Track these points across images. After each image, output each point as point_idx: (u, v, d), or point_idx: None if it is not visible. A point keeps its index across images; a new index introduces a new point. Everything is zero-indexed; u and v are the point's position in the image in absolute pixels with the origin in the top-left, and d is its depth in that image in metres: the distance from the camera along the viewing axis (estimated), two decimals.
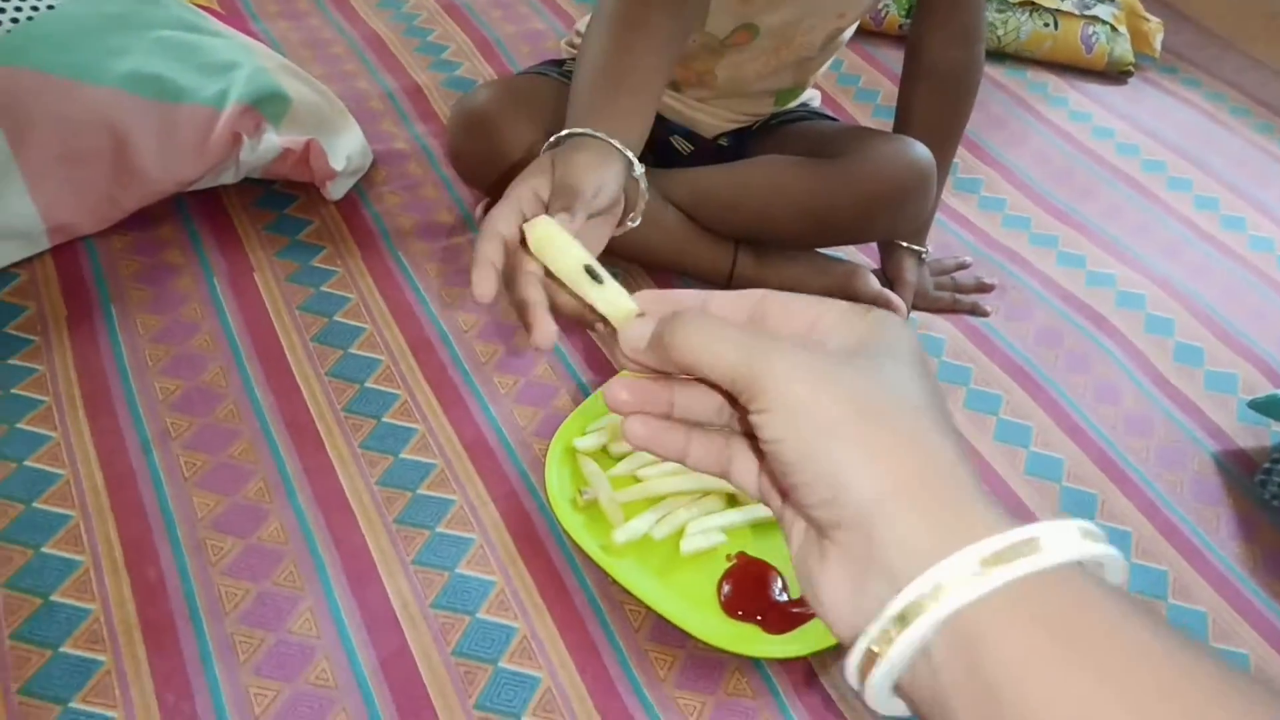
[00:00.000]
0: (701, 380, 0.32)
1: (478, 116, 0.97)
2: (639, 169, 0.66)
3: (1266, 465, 0.95)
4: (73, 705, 0.66)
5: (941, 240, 1.18)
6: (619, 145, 0.64)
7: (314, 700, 0.69)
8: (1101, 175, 1.34)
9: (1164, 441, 0.99)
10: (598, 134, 0.64)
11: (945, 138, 1.02)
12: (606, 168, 0.62)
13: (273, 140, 1.02)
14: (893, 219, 1.00)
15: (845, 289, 1.02)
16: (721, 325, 0.31)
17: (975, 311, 1.10)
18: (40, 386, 0.85)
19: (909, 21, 1.03)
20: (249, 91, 1.02)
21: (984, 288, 1.13)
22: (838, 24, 1.01)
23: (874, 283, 1.03)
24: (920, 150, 0.98)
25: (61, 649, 0.69)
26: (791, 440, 0.28)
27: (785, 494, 0.31)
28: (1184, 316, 1.13)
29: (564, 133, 0.65)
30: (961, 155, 1.34)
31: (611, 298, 0.37)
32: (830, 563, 0.29)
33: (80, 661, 0.68)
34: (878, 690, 0.27)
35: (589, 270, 0.38)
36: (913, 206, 0.99)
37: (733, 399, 0.31)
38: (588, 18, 1.12)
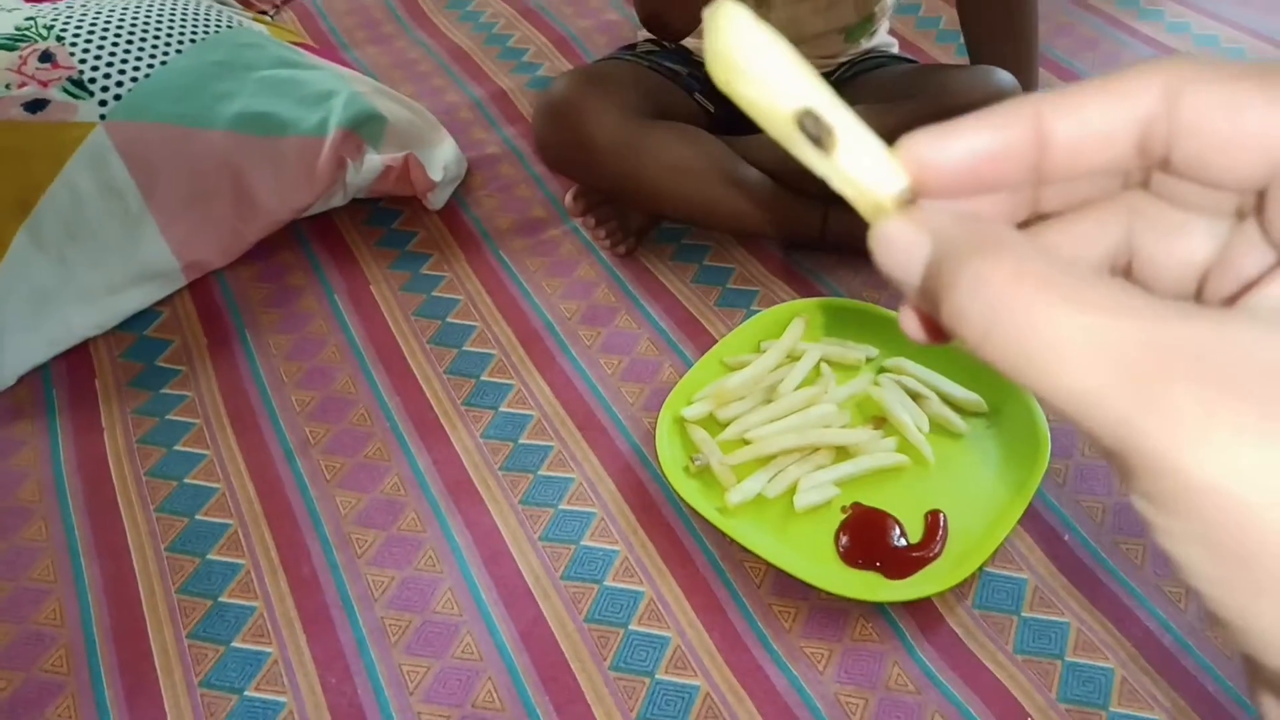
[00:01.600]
0: None
1: (558, 106, 1.01)
2: None
3: None
4: (248, 694, 0.73)
5: None
6: None
7: (462, 673, 0.74)
8: (1075, 12, 1.29)
9: None
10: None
11: (1016, 55, 0.99)
12: None
13: (374, 160, 1.08)
14: None
15: None
16: (1059, 308, 0.15)
17: None
18: (191, 411, 0.94)
19: None
20: (347, 117, 1.08)
21: None
22: None
23: None
24: (1002, 76, 0.96)
25: (233, 644, 0.76)
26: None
27: None
28: None
29: None
30: (1052, 85, 1.30)
31: (849, 169, 0.19)
32: None
33: (250, 654, 0.75)
34: None
35: (807, 120, 0.19)
36: None
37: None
38: None
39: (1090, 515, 0.82)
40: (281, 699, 0.73)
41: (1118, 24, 1.40)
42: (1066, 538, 0.81)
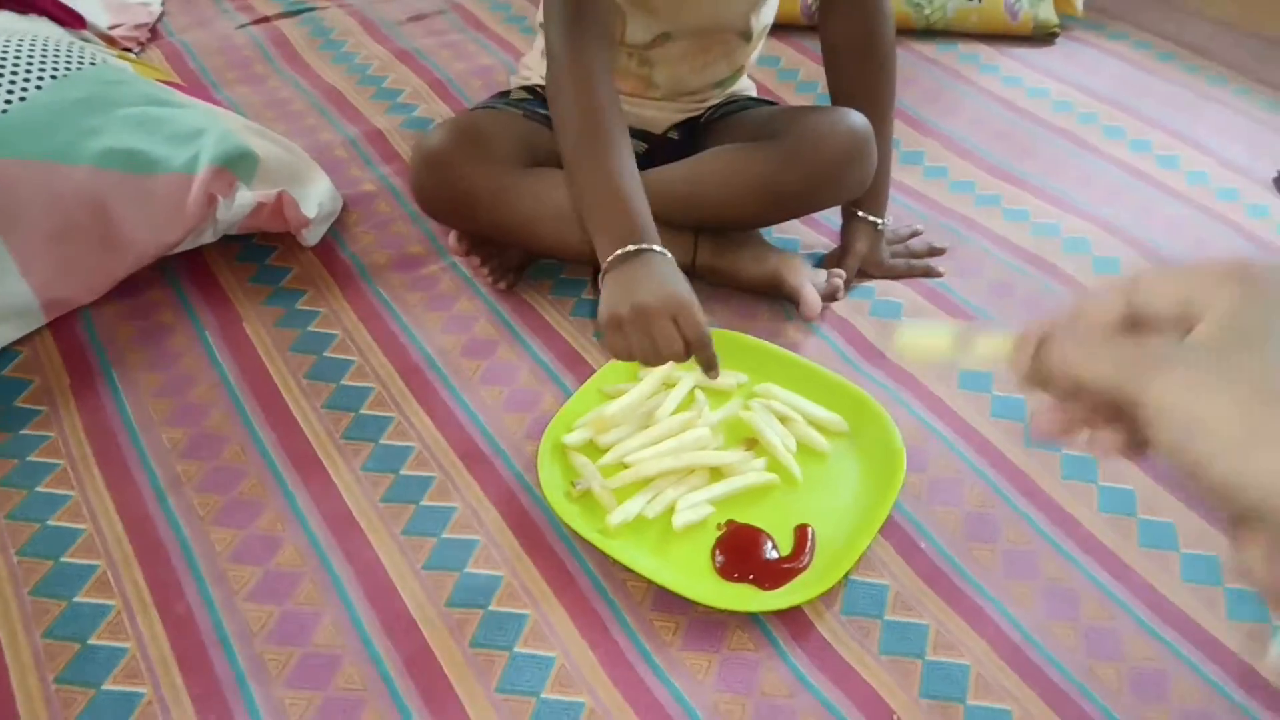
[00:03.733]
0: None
1: (435, 158, 1.03)
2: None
3: None
4: None
5: (892, 211, 1.23)
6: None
7: (345, 704, 0.73)
8: (1038, 133, 1.41)
9: None
10: (663, 250, 0.87)
11: (874, 106, 1.07)
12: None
13: (246, 196, 1.08)
14: (839, 185, 1.06)
15: (777, 278, 1.08)
16: (1090, 348, 0.30)
17: (929, 274, 1.15)
18: (54, 451, 0.90)
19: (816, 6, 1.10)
20: (218, 154, 1.07)
21: (935, 251, 1.18)
22: (748, 19, 1.07)
23: (801, 273, 1.07)
24: (855, 117, 1.04)
25: (104, 687, 0.73)
26: (1191, 454, 0.27)
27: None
28: (1129, 254, 1.19)
29: (647, 246, 0.86)
30: (902, 131, 1.40)
31: (986, 349, 0.36)
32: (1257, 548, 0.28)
33: (123, 696, 0.73)
34: None
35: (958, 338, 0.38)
36: (856, 171, 1.05)
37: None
38: (534, 50, 1.19)
39: (944, 524, 0.88)
40: None
41: (960, 77, 1.53)
42: (923, 545, 0.87)
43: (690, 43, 1.07)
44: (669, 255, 0.87)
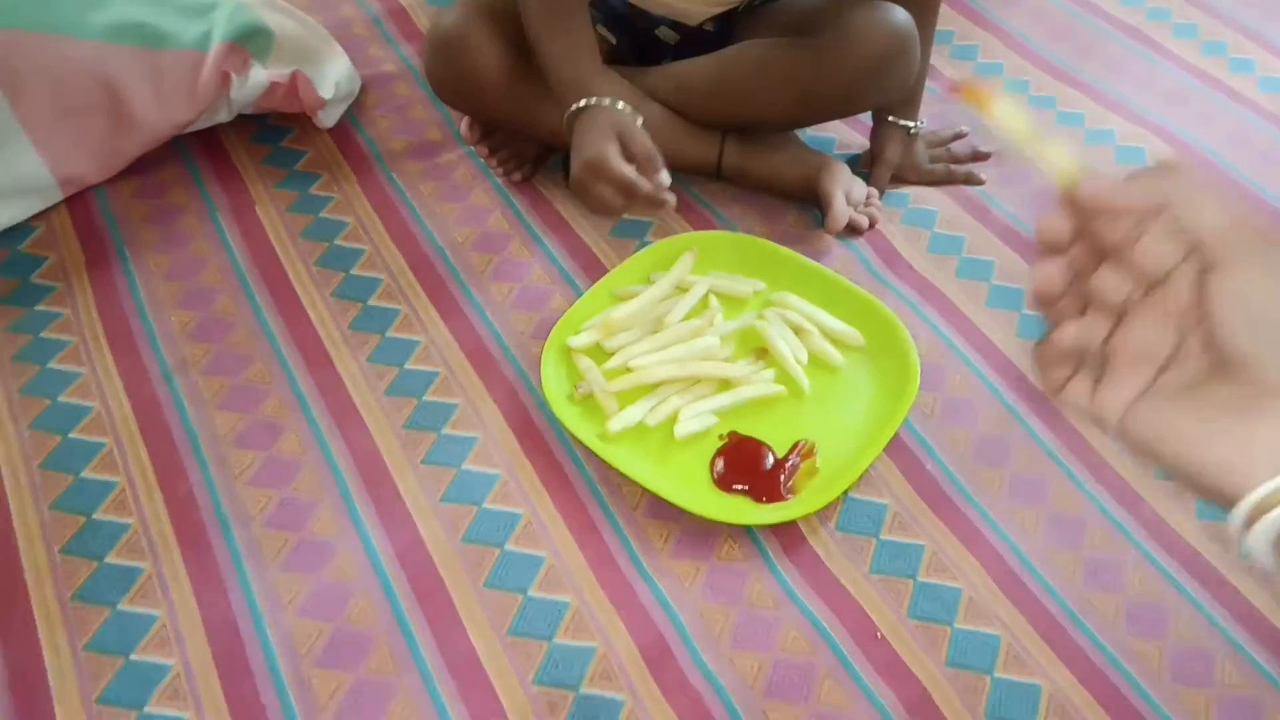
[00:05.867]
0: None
1: (448, 40, 0.98)
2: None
3: None
4: (121, 607, 0.73)
5: (936, 110, 1.16)
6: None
7: (337, 590, 0.75)
8: (1103, 30, 1.30)
9: None
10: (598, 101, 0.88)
11: (919, 3, 0.99)
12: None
13: (260, 75, 1.05)
14: (877, 88, 1.00)
15: (813, 180, 1.02)
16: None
17: (970, 181, 1.09)
18: (66, 328, 0.91)
19: None
20: (231, 29, 1.04)
21: (979, 156, 1.12)
22: None
23: (837, 180, 1.02)
24: (898, 15, 0.97)
25: (107, 560, 0.76)
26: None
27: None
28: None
29: (586, 103, 0.89)
30: (957, 22, 1.31)
31: (1056, 156, 0.38)
32: (1223, 416, 0.34)
33: (124, 570, 0.75)
34: (1260, 538, 0.33)
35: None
36: (896, 73, 0.99)
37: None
38: None
39: (953, 445, 0.86)
40: (155, 613, 0.73)
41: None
42: (929, 466, 0.85)
43: None
44: (604, 103, 0.89)
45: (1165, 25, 1.31)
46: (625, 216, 1.03)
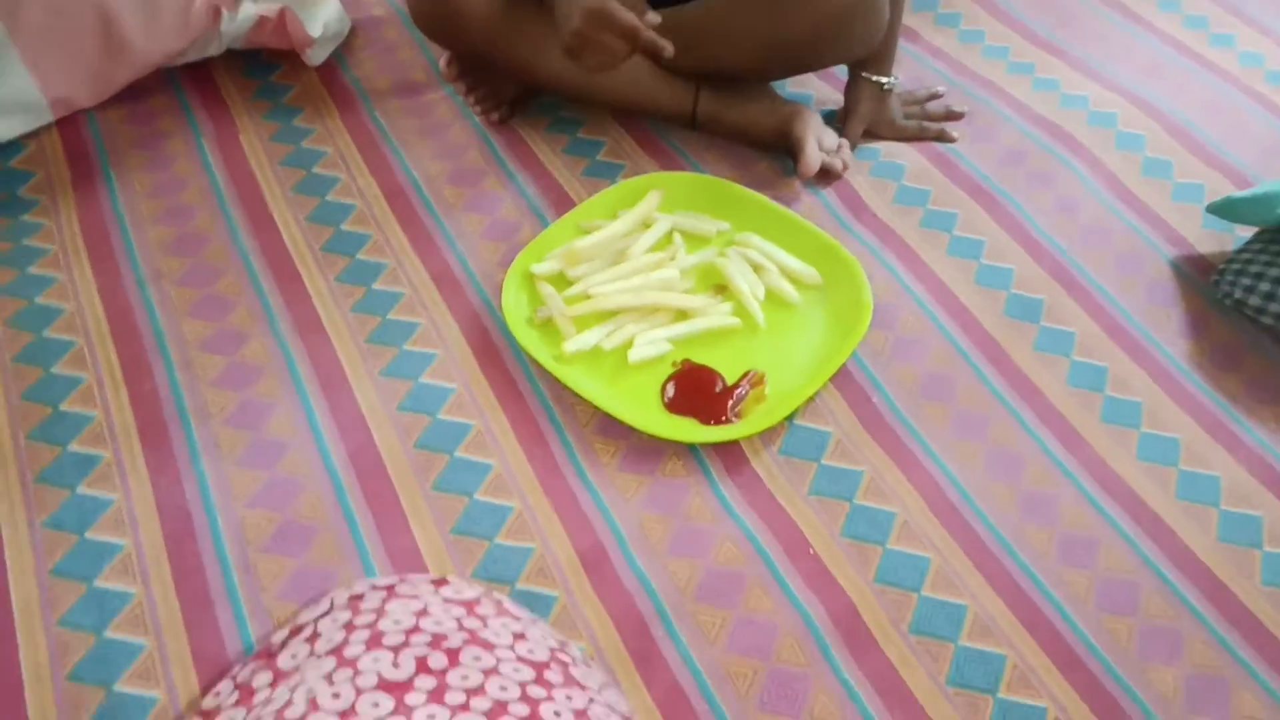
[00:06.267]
0: None
1: None
2: None
3: (1221, 266, 0.96)
4: (80, 490, 0.76)
5: (915, 73, 1.19)
6: None
7: (289, 485, 0.78)
8: (1087, 1, 1.32)
9: (1121, 250, 1.00)
10: None
11: None
12: None
13: (249, 9, 1.08)
14: (845, 40, 1.02)
15: (787, 128, 1.04)
16: None
17: (942, 138, 1.11)
18: (48, 237, 0.94)
19: None
20: None
21: (952, 115, 1.13)
22: None
23: (809, 127, 1.04)
24: None
25: (70, 447, 0.79)
26: None
27: None
28: (1156, 132, 1.12)
29: None
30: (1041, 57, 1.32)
31: None
32: None
33: (85, 457, 0.78)
34: None
35: None
36: (862, 25, 1.00)
37: None
38: None
39: (900, 380, 0.88)
40: (112, 497, 0.76)
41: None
42: (874, 398, 0.86)
43: None
44: None
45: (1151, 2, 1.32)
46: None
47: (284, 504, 0.77)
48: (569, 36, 0.91)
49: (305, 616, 0.47)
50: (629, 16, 0.88)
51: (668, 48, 0.90)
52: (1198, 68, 1.22)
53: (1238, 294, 0.93)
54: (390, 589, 0.48)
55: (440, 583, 0.50)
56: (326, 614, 0.46)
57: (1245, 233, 1.00)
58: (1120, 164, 1.08)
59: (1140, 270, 0.99)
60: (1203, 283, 0.97)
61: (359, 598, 0.48)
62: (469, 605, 0.48)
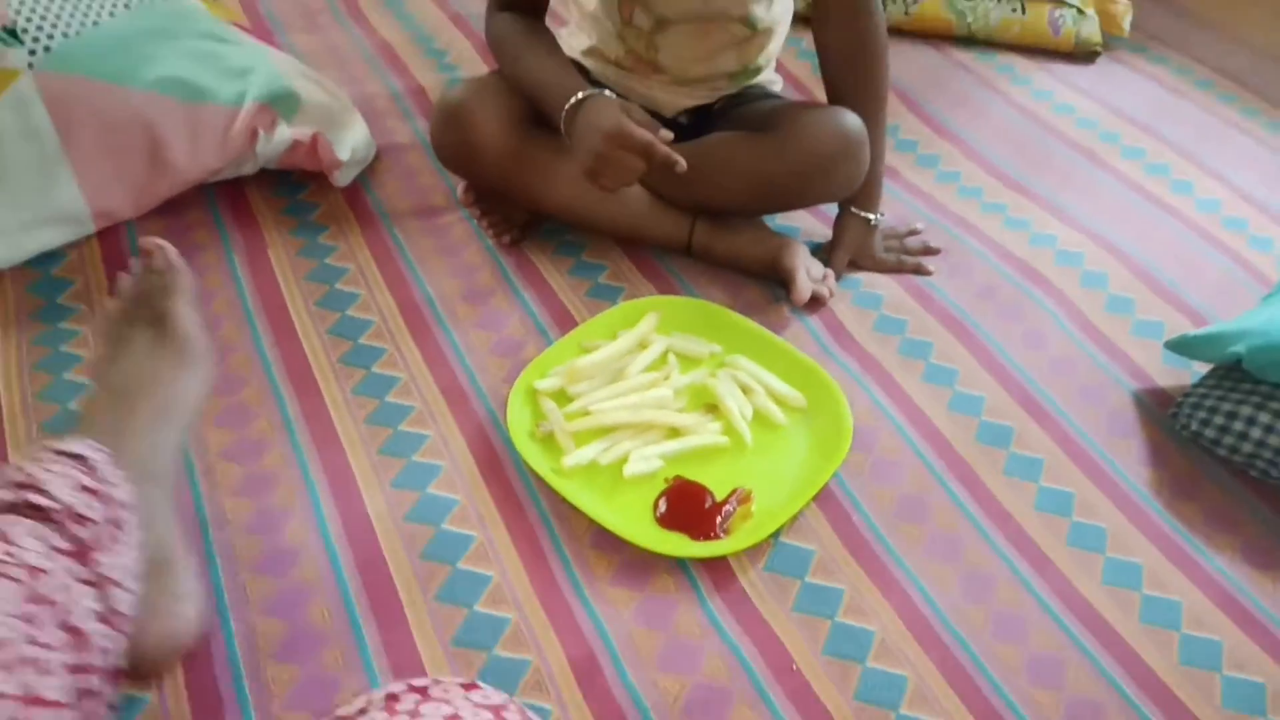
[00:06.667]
0: None
1: (452, 110, 1.10)
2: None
3: (1179, 399, 1.03)
4: None
5: (896, 210, 1.27)
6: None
7: (299, 593, 0.82)
8: (1057, 148, 1.42)
9: (1086, 381, 1.07)
10: (596, 90, 1.03)
11: (866, 108, 1.11)
12: None
13: (285, 133, 1.17)
14: (828, 183, 1.11)
15: (774, 259, 1.13)
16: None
17: (919, 271, 1.19)
18: (83, 345, 1.01)
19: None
20: (264, 92, 1.17)
21: (929, 251, 1.22)
22: (746, 7, 1.12)
23: (798, 258, 1.12)
24: (848, 119, 1.09)
25: None
26: None
27: None
28: (1119, 270, 1.21)
29: (585, 95, 1.02)
30: (921, 132, 1.43)
31: None
32: None
33: None
34: None
35: None
36: (845, 170, 1.10)
37: None
38: (570, 23, 1.26)
39: (879, 501, 0.93)
40: None
41: (990, 86, 1.55)
42: (855, 518, 0.92)
43: (691, 28, 1.12)
44: (604, 92, 1.03)
45: (1115, 147, 1.43)
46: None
47: (294, 611, 0.81)
48: (589, 158, 0.99)
49: (344, 711, 0.51)
50: (645, 134, 0.97)
51: (681, 161, 0.98)
52: (1159, 212, 1.31)
53: (1194, 426, 1.00)
54: (424, 691, 0.52)
55: (470, 687, 0.54)
56: (363, 713, 0.50)
57: (1201, 368, 1.07)
58: (1085, 300, 1.16)
59: (1103, 401, 1.05)
60: (1161, 414, 1.04)
61: (395, 698, 0.52)
62: (496, 710, 0.52)
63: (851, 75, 1.12)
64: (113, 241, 1.13)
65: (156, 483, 0.69)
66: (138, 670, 0.63)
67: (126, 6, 1.20)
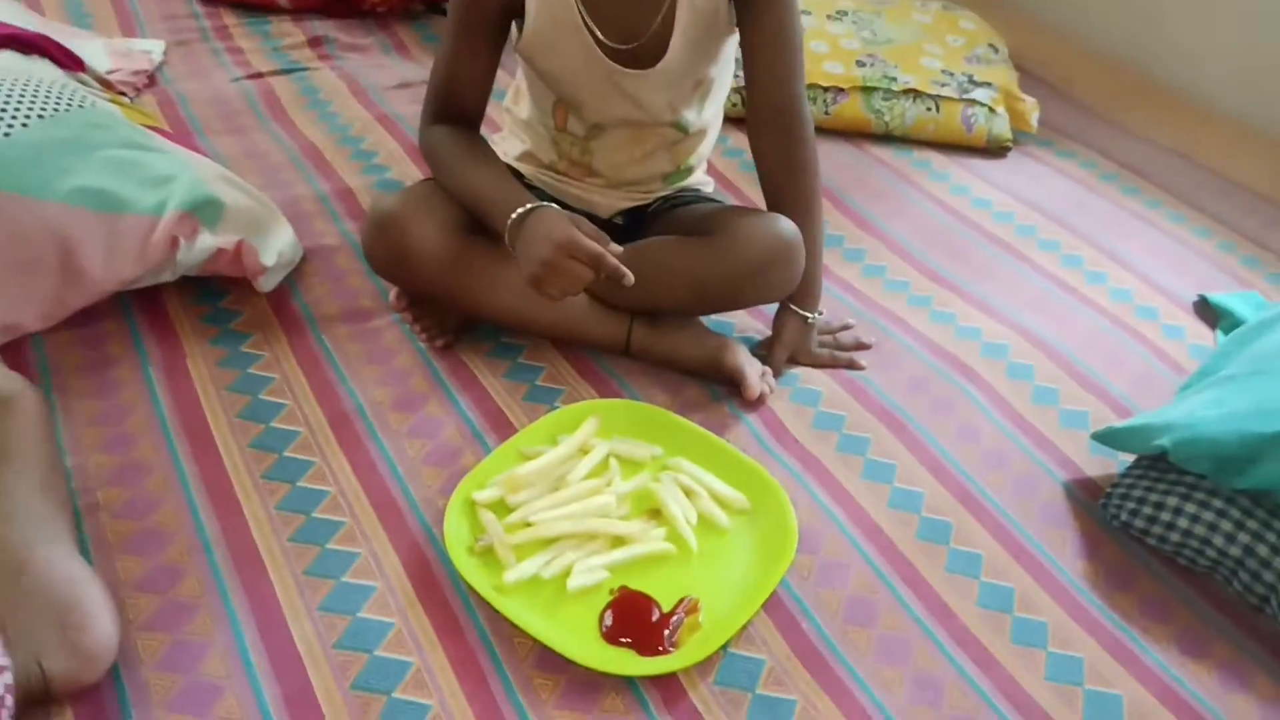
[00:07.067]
0: None
1: (384, 220, 1.09)
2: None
3: (1108, 490, 1.05)
4: None
5: (827, 304, 1.29)
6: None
7: None
8: (976, 240, 1.47)
9: (1018, 474, 1.09)
10: (544, 204, 1.03)
11: (802, 216, 1.13)
12: None
13: (207, 241, 1.14)
14: (763, 285, 1.12)
15: (715, 359, 1.13)
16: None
17: (852, 366, 1.20)
18: None
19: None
20: (185, 200, 1.14)
21: (861, 346, 1.24)
22: (676, 112, 1.15)
23: (739, 357, 1.13)
24: (784, 224, 1.11)
25: None
26: None
27: None
28: (1043, 362, 1.24)
29: (531, 207, 1.02)
30: (847, 228, 1.47)
31: None
32: None
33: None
34: None
35: None
36: (781, 274, 1.11)
37: None
38: (504, 129, 1.26)
39: (826, 605, 0.92)
40: None
41: (909, 182, 1.61)
42: (804, 625, 0.90)
43: (624, 133, 1.14)
44: (550, 205, 1.03)
45: (1032, 239, 1.49)
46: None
47: None
48: (536, 267, 0.98)
49: None
50: (595, 246, 0.97)
51: (629, 275, 0.98)
52: (1076, 303, 1.36)
53: (1124, 516, 1.01)
54: None
55: None
56: None
57: (1127, 457, 1.09)
58: (1013, 392, 1.19)
59: (1035, 493, 1.07)
60: (1092, 504, 1.06)
61: None
62: None
63: (788, 181, 1.14)
64: (17, 351, 1.07)
65: (12, 524, 0.79)
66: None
67: (41, 116, 1.17)
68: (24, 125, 1.14)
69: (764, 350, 1.19)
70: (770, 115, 1.13)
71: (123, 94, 1.53)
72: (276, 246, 1.20)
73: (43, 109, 1.18)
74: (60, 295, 1.08)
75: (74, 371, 1.06)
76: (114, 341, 1.11)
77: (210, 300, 1.18)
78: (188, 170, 1.20)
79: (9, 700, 0.70)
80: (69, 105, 1.22)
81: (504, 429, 1.07)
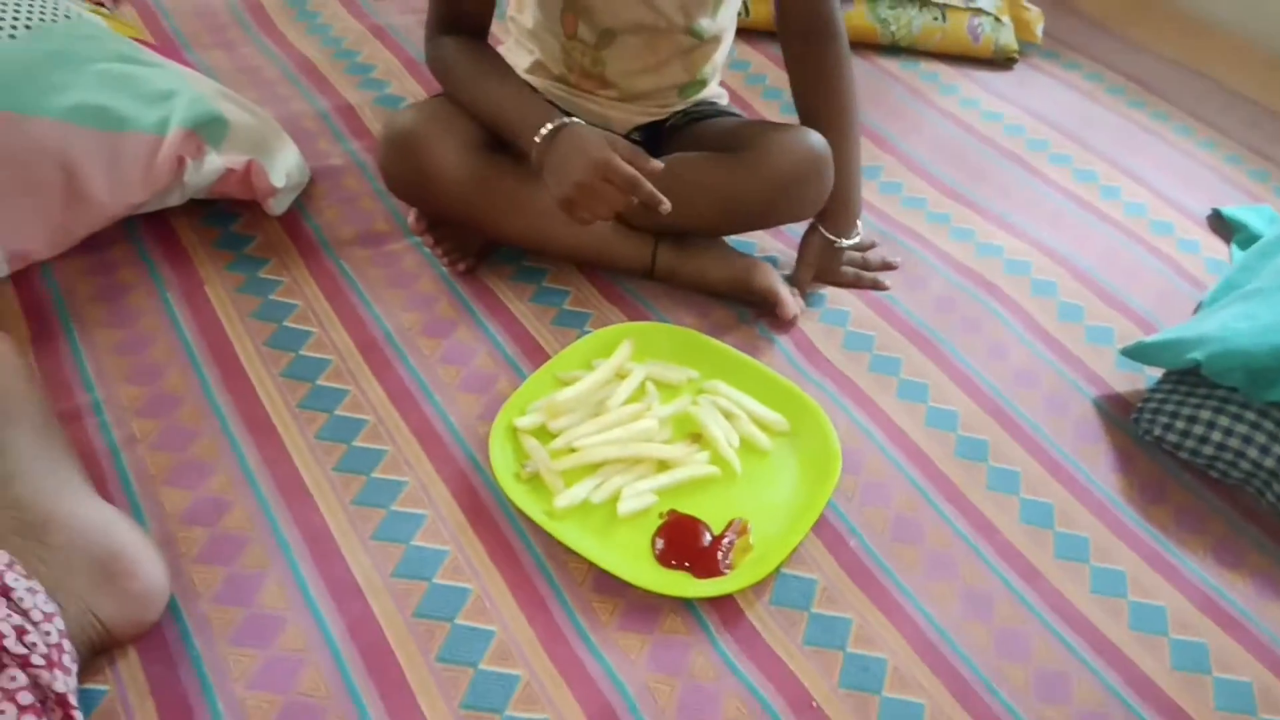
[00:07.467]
0: None
1: (402, 138, 1.04)
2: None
3: (1139, 405, 1.06)
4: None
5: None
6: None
7: (288, 664, 0.76)
8: (990, 155, 1.46)
9: (1049, 390, 1.10)
10: (574, 120, 0.99)
11: (837, 125, 1.11)
12: None
13: (215, 161, 1.08)
14: (794, 202, 1.10)
15: (744, 280, 1.11)
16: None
17: (876, 286, 1.19)
18: None
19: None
20: (189, 116, 1.08)
21: (888, 265, 1.23)
22: (690, 15, 1.10)
23: (769, 278, 1.11)
24: (814, 138, 1.08)
25: None
26: None
27: None
28: (1065, 279, 1.24)
29: (560, 123, 0.98)
30: (864, 145, 1.44)
31: None
32: None
33: None
34: None
35: None
36: (812, 189, 1.09)
37: None
38: (509, 40, 1.21)
39: (872, 524, 0.93)
40: (104, 688, 0.72)
41: (920, 96, 1.58)
42: (852, 543, 0.91)
43: (636, 40, 1.09)
44: (579, 122, 0.99)
45: (1043, 154, 1.48)
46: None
47: (285, 683, 0.75)
48: (570, 188, 0.94)
49: None
50: (632, 171, 0.93)
51: (666, 203, 0.94)
52: (1093, 218, 1.36)
53: (1157, 430, 1.03)
54: None
55: None
56: None
57: (1154, 372, 1.11)
58: (1038, 310, 1.19)
59: (1067, 410, 1.08)
60: (1122, 419, 1.08)
61: None
62: None
63: (821, 94, 1.11)
64: (28, 284, 1.03)
65: (23, 481, 0.75)
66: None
67: (26, 27, 1.09)
68: (11, 37, 1.07)
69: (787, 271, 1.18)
70: (803, 24, 1.09)
71: (100, 4, 1.43)
72: (284, 167, 1.15)
73: (27, 19, 1.11)
74: (65, 221, 1.02)
75: (89, 300, 1.02)
76: (126, 268, 1.06)
77: (220, 224, 1.14)
78: (186, 85, 1.14)
79: (67, 644, 0.68)
80: (54, 16, 1.14)
81: (535, 354, 1.05)
